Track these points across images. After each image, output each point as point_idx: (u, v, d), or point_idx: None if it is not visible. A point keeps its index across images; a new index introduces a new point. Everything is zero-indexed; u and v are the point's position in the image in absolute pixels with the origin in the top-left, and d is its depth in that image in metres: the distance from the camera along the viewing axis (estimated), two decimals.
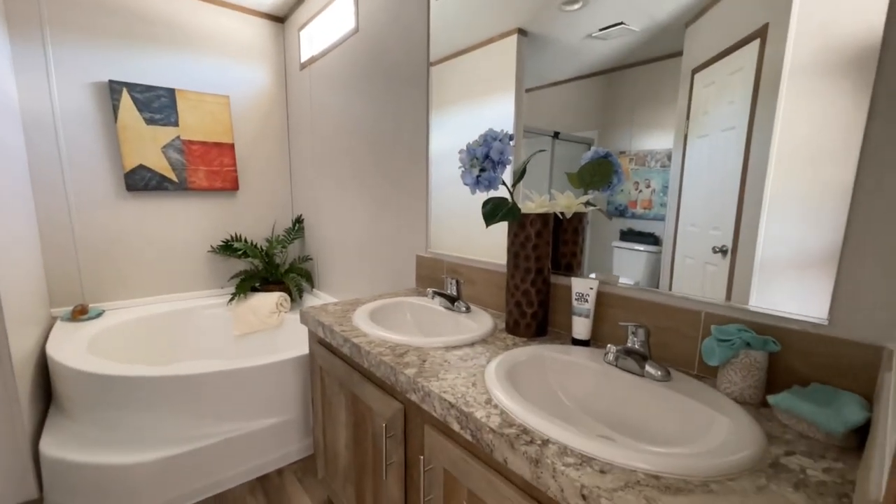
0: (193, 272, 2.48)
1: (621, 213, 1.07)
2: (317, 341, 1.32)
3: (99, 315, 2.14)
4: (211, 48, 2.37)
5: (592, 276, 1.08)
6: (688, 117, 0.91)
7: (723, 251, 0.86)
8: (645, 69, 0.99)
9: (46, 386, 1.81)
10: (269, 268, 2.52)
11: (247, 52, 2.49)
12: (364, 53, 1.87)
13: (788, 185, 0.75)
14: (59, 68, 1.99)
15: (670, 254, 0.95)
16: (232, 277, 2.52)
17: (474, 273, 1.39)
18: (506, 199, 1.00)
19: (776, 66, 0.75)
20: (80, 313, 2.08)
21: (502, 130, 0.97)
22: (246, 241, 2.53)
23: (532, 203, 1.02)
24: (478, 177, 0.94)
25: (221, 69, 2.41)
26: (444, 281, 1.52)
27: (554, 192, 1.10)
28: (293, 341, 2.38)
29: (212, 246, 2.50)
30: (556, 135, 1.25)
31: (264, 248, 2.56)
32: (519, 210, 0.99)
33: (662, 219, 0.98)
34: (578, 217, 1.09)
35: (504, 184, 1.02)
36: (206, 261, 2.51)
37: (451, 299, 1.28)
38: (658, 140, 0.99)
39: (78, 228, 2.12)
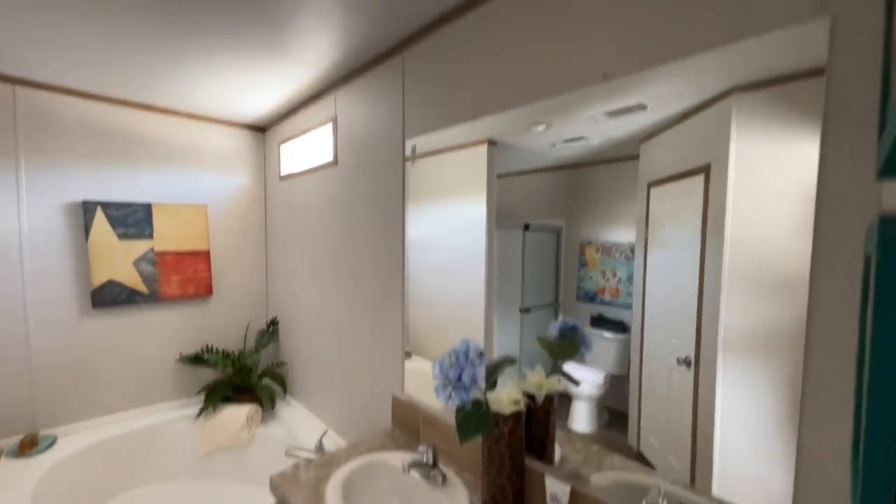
0: (160, 383, 2.37)
1: (591, 298, 1.12)
2: None
3: (51, 445, 1.99)
4: (190, 161, 2.40)
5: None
6: (647, 225, 0.98)
7: (686, 363, 0.89)
8: (607, 168, 1.07)
9: None
10: (241, 374, 2.43)
11: (227, 161, 2.54)
12: (341, 181, 1.93)
13: (739, 314, 0.79)
14: (31, 192, 1.97)
15: (638, 355, 0.99)
16: (201, 390, 2.41)
17: (451, 432, 1.36)
18: (478, 406, 1.02)
19: (720, 200, 0.81)
20: (28, 446, 1.93)
21: (475, 348, 1.01)
22: (216, 350, 2.45)
23: (504, 398, 1.04)
24: (449, 396, 0.98)
25: (200, 180, 2.44)
26: (420, 431, 1.49)
27: (526, 371, 1.13)
28: (263, 459, 2.26)
29: (181, 354, 2.41)
30: (526, 227, 1.32)
31: (236, 353, 2.48)
32: (491, 419, 1.02)
33: (629, 307, 1.03)
34: (550, 399, 1.10)
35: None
36: (174, 371, 2.41)
37: (428, 467, 1.25)
38: (621, 233, 1.06)
39: (34, 350, 2.02)
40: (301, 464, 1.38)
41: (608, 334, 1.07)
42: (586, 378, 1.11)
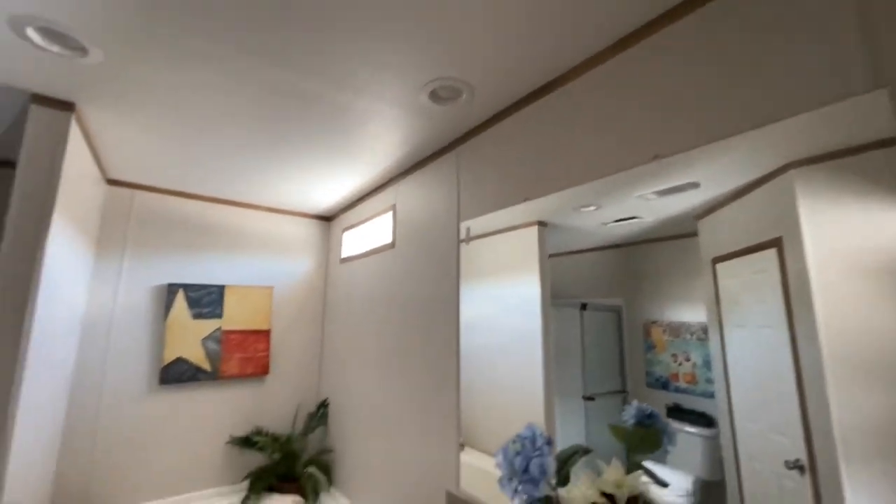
0: (209, 467, 2.33)
1: (664, 385, 0.98)
2: None
3: None
4: (262, 247, 2.65)
5: None
6: (718, 302, 0.88)
7: (798, 467, 0.72)
8: (663, 245, 1.01)
9: None
10: (287, 461, 2.36)
11: (294, 247, 2.77)
12: (398, 263, 2.03)
13: (854, 404, 0.65)
14: (129, 276, 2.22)
15: (732, 456, 0.82)
16: (247, 476, 2.35)
17: None
18: None
19: (801, 273, 0.73)
20: None
21: (542, 434, 0.95)
22: (266, 434, 2.42)
23: (578, 497, 0.93)
24: (515, 489, 0.90)
25: (269, 264, 2.66)
26: None
27: (600, 463, 1.02)
28: None
29: (231, 436, 2.39)
30: (583, 306, 1.24)
31: (285, 437, 2.44)
32: None
33: (710, 396, 0.88)
34: (634, 497, 0.97)
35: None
36: (223, 453, 2.38)
37: None
38: (689, 312, 0.95)
39: (101, 428, 2.09)
40: None
41: (691, 428, 0.94)
42: (671, 483, 0.97)
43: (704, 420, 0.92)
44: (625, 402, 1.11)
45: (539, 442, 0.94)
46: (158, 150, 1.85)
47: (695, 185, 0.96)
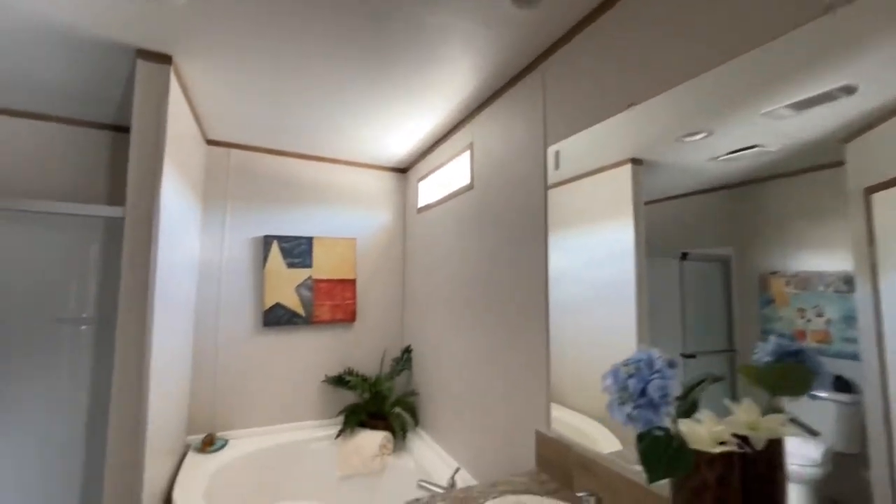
0: (308, 401, 2.58)
1: None
2: None
3: (222, 447, 2.28)
4: (344, 201, 2.74)
5: None
6: (871, 244, 0.70)
7: None
8: (792, 182, 0.82)
9: None
10: (376, 401, 2.52)
11: (373, 200, 2.83)
12: (477, 205, 1.95)
13: None
14: (231, 229, 2.43)
15: (883, 429, 0.67)
16: (341, 411, 2.56)
17: (616, 480, 1.15)
18: (667, 436, 0.80)
19: None
20: (207, 445, 2.23)
21: (659, 357, 0.83)
22: (356, 374, 2.60)
23: (704, 434, 0.79)
24: (629, 415, 0.78)
25: (352, 217, 2.75)
26: (573, 477, 1.30)
27: (727, 402, 0.87)
28: (393, 490, 2.24)
29: (326, 376, 2.61)
30: (683, 256, 1.08)
31: (373, 378, 2.59)
32: (690, 458, 0.77)
33: (851, 357, 0.73)
34: (775, 447, 0.82)
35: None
36: (319, 391, 2.61)
37: None
38: (826, 260, 0.78)
39: (220, 362, 2.39)
40: (436, 498, 1.30)
41: (823, 393, 0.79)
42: (796, 449, 0.82)
43: (842, 385, 0.76)
44: (733, 362, 0.95)
45: (658, 364, 0.79)
46: (248, 105, 1.94)
47: (849, 91, 0.73)
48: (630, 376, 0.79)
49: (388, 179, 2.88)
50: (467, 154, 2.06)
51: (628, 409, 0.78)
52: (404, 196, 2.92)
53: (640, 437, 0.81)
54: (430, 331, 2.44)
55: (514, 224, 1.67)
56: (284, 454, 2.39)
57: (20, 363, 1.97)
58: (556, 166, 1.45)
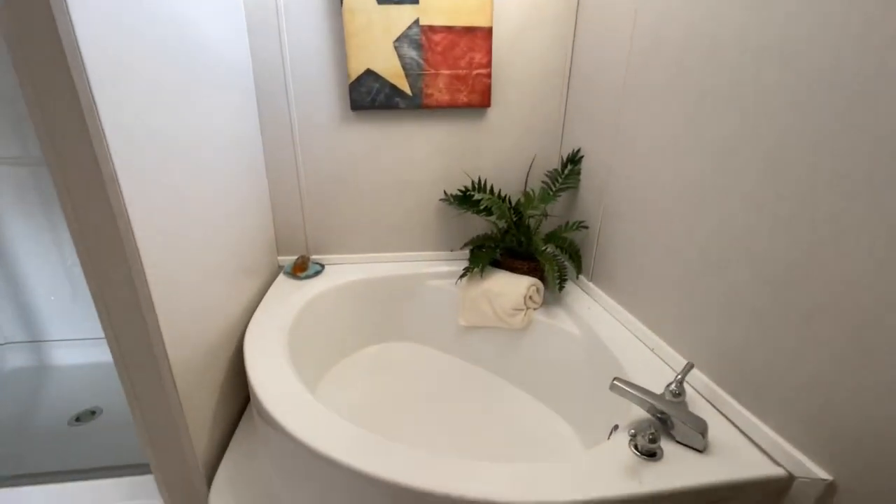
0: (421, 227, 1.82)
1: None
2: None
3: (317, 273, 1.73)
4: None
5: None
6: None
7: None
8: None
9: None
10: (518, 233, 1.63)
11: None
12: None
13: None
14: None
15: None
16: (466, 244, 1.76)
17: None
18: None
19: None
20: (299, 269, 1.70)
21: None
22: (492, 190, 1.67)
23: None
24: None
25: None
26: None
27: None
28: (538, 358, 1.50)
29: (445, 193, 1.76)
30: None
31: (515, 199, 1.66)
32: None
33: None
34: None
35: None
36: (436, 212, 1.80)
37: None
38: None
39: (301, 162, 1.67)
40: None
41: None
42: None
43: None
44: None
45: None
46: None
47: None
48: None
49: None
50: None
51: None
52: None
53: None
54: (631, 130, 1.28)
55: None
56: (393, 291, 1.78)
57: None
58: None
